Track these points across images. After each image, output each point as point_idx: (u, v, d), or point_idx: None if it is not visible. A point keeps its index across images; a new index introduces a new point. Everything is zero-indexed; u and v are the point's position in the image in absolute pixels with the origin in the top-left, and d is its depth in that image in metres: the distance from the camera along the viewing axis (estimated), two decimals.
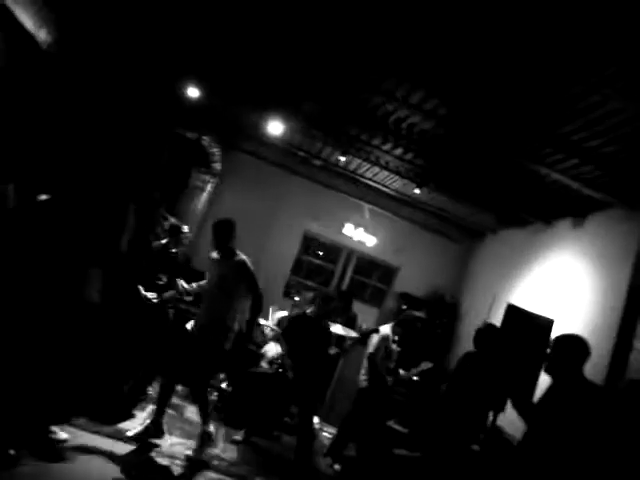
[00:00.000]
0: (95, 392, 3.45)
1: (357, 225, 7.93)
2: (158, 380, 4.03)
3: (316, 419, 5.76)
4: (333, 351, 4.61)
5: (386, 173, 6.64)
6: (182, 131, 6.40)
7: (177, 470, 3.32)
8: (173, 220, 5.45)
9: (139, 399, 3.91)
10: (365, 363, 4.69)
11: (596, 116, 3.58)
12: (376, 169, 6.65)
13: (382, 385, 4.54)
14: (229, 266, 3.67)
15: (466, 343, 5.30)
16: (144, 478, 3.13)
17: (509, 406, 3.56)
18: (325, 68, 4.33)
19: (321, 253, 8.35)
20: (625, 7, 2.56)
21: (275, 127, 5.20)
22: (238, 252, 3.77)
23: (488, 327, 4.14)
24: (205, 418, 3.66)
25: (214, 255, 3.81)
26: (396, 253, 8.11)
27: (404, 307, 7.78)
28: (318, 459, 4.53)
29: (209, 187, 7.10)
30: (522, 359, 3.88)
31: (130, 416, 3.65)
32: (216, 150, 6.90)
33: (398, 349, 4.80)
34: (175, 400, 4.58)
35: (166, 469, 3.29)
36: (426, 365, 5.33)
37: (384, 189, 7.27)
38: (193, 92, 4.83)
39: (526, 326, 3.95)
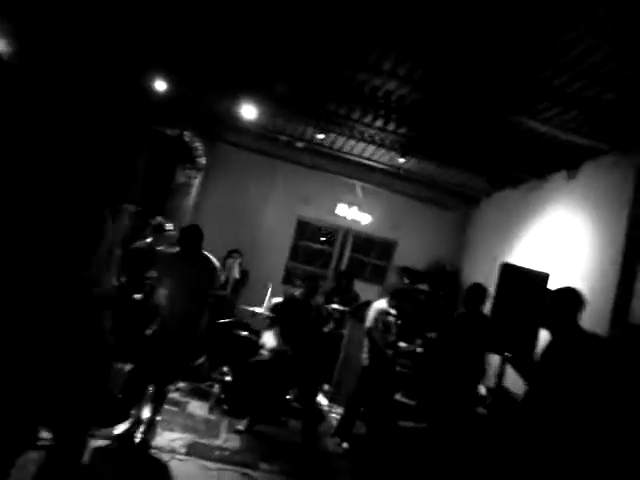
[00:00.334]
0: (87, 396, 3.42)
1: (350, 204, 7.81)
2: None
3: (325, 401, 5.75)
4: (328, 329, 4.54)
5: (372, 147, 6.51)
6: (162, 128, 6.31)
7: (175, 464, 3.30)
8: (159, 218, 5.39)
9: (136, 400, 3.88)
10: (366, 341, 4.64)
11: (573, 58, 3.42)
12: (361, 145, 6.51)
13: (383, 359, 4.48)
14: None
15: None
16: (143, 474, 3.11)
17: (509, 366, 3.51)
18: (293, 43, 4.19)
19: (323, 238, 8.26)
20: None
21: (249, 111, 5.09)
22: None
23: (474, 286, 4.11)
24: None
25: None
26: (393, 228, 8.00)
27: (406, 281, 7.70)
28: (326, 440, 4.50)
29: (196, 182, 7.03)
30: (520, 316, 3.81)
31: (127, 417, 3.63)
32: (199, 144, 6.81)
33: (397, 321, 4.73)
34: (177, 396, 4.59)
35: (165, 463, 3.28)
36: (430, 336, 5.28)
37: (373, 164, 7.14)
38: (160, 85, 4.73)
39: (522, 283, 3.86)
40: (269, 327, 4.88)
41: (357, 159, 7.09)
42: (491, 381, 4.23)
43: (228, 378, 4.87)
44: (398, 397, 5.00)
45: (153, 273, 4.14)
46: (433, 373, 4.63)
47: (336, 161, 7.43)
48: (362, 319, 4.89)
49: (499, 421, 3.91)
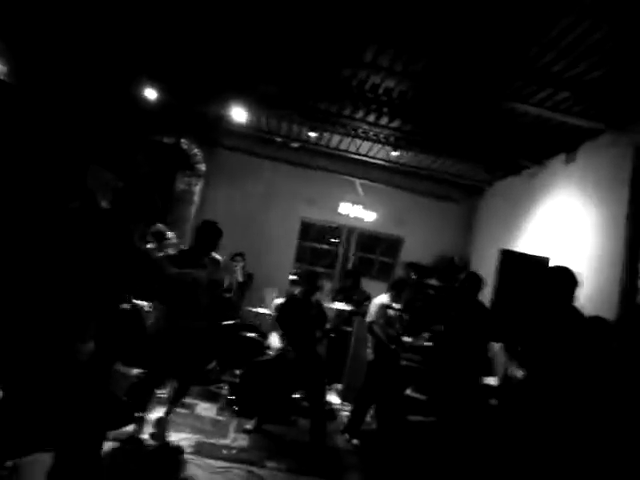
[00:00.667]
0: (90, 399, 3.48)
1: (353, 202, 7.81)
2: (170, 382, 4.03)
3: (337, 399, 5.73)
4: (331, 326, 4.54)
5: (368, 144, 6.52)
6: (158, 137, 6.42)
7: (183, 463, 3.34)
8: (159, 225, 5.46)
9: (145, 402, 3.93)
10: (369, 336, 4.63)
11: (556, 35, 3.39)
12: (357, 141, 6.53)
13: (387, 354, 4.46)
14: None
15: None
16: (149, 474, 3.15)
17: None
18: (278, 42, 4.22)
19: (333, 240, 8.27)
20: None
21: (239, 114, 5.15)
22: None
23: (470, 275, 4.09)
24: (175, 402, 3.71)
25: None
26: (398, 225, 7.97)
27: (414, 277, 7.65)
28: (336, 437, 4.49)
29: (197, 189, 7.11)
30: (522, 303, 3.77)
31: (134, 420, 3.68)
32: (197, 151, 6.91)
33: (400, 315, 4.71)
34: (187, 399, 4.64)
35: (172, 463, 3.31)
36: (438, 329, 5.23)
37: (371, 160, 7.14)
38: (151, 93, 4.81)
39: (523, 269, 3.84)
40: (274, 328, 4.90)
41: (355, 156, 7.11)
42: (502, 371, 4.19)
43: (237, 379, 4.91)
44: (409, 392, 4.97)
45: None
46: (441, 366, 4.60)
47: (334, 160, 7.46)
48: (365, 315, 4.88)
49: (508, 411, 3.86)
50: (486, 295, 4.55)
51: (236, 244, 6.72)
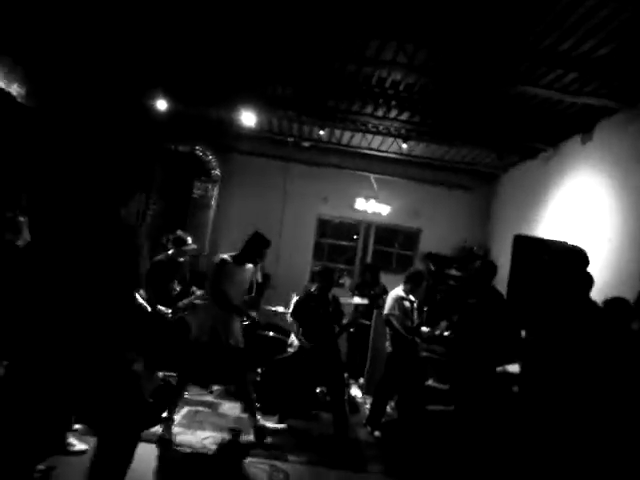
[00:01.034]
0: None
1: (368, 197, 7.81)
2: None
3: (359, 393, 5.78)
4: (349, 321, 4.58)
5: (379, 138, 6.52)
6: (174, 146, 6.59)
7: (207, 461, 3.45)
8: (179, 232, 5.61)
9: (173, 404, 4.06)
10: (387, 329, 4.66)
11: (559, 12, 3.32)
12: (369, 137, 6.53)
13: (405, 345, 4.48)
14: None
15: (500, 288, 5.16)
16: (176, 473, 3.28)
17: None
18: (285, 43, 4.26)
19: (354, 237, 8.29)
20: None
21: (249, 118, 5.24)
22: None
23: (484, 264, 4.07)
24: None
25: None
26: (414, 217, 7.94)
27: (432, 268, 7.61)
28: (358, 430, 4.54)
29: (214, 194, 7.26)
30: (538, 289, 3.70)
31: (161, 420, 3.81)
32: (212, 157, 7.04)
33: (418, 307, 4.72)
34: (210, 398, 4.78)
35: (196, 462, 3.43)
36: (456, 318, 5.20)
37: (384, 155, 7.13)
38: (162, 104, 4.95)
39: (537, 253, 3.74)
40: (291, 325, 4.98)
41: (367, 151, 7.11)
42: None
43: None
44: (430, 383, 4.97)
45: None
46: (459, 355, 4.58)
47: (347, 157, 7.49)
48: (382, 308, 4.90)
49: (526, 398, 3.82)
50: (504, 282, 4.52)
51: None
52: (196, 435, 3.80)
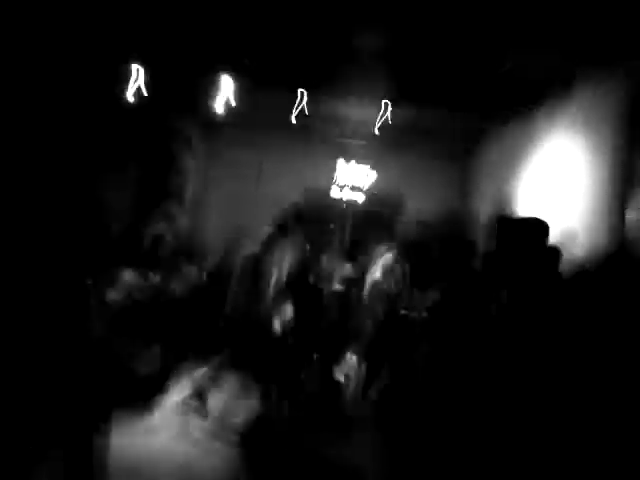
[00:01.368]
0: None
1: (350, 167, 7.75)
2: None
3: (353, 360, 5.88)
4: (338, 287, 4.65)
5: (359, 106, 6.44)
6: (157, 125, 6.39)
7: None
8: (169, 208, 5.52)
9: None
10: (376, 296, 4.73)
11: None
12: (341, 104, 6.47)
13: (391, 311, 4.57)
14: None
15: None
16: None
17: None
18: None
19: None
20: None
21: (226, 88, 5.12)
22: None
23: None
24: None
25: None
26: (397, 185, 7.96)
27: (417, 236, 7.67)
28: (353, 396, 4.66)
29: (195, 169, 7.16)
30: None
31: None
32: (195, 132, 6.92)
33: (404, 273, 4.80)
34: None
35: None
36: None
37: (361, 121, 7.02)
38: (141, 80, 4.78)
39: (521, 236, 3.62)
40: None
41: (345, 118, 7.01)
42: None
43: None
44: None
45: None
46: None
47: (327, 125, 7.38)
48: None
49: None
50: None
51: (235, 223, 6.77)
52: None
